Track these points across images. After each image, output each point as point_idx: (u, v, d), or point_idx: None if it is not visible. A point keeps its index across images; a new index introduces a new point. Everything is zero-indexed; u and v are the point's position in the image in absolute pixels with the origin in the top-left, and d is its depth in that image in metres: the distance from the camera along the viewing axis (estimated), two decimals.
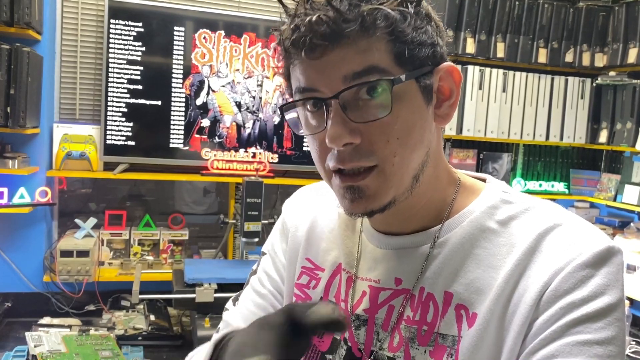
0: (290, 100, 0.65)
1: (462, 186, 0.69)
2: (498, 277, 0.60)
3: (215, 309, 1.99)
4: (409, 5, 0.58)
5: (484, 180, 0.71)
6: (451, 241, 0.64)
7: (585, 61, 2.77)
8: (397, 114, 0.58)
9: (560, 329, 0.55)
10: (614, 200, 2.73)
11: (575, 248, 0.58)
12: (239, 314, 0.80)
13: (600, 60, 2.76)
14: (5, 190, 2.18)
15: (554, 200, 2.34)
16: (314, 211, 0.80)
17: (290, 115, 0.67)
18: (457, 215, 0.66)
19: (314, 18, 0.56)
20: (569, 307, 0.55)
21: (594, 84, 2.79)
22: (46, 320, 2.19)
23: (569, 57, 2.77)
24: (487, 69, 2.67)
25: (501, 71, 2.70)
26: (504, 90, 2.71)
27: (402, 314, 0.65)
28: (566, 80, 2.80)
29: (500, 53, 2.68)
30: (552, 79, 2.78)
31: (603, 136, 2.78)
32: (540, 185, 2.90)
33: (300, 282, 0.77)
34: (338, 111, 0.58)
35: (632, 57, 2.61)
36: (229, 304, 0.84)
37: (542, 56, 2.74)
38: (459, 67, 0.68)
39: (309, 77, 0.59)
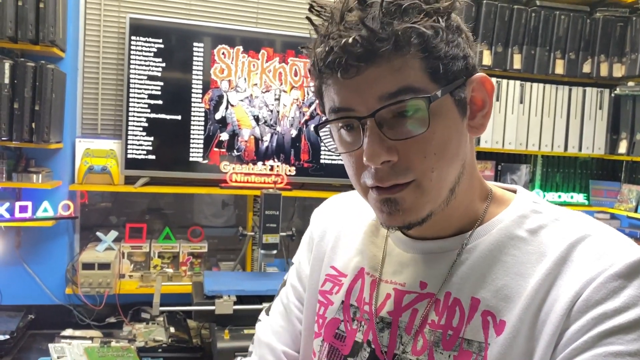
0: (325, 119, 0.65)
1: (494, 196, 0.70)
2: (527, 286, 0.60)
3: (234, 321, 2.00)
4: (440, 20, 0.58)
5: (514, 192, 0.72)
6: (479, 248, 0.65)
7: (603, 72, 2.76)
8: (434, 129, 0.59)
9: (591, 339, 0.54)
10: (635, 211, 2.69)
11: (608, 258, 0.57)
12: (268, 327, 0.83)
13: (619, 71, 2.75)
14: (29, 204, 2.23)
15: None
16: (341, 220, 0.81)
17: (324, 134, 0.67)
18: (486, 223, 0.67)
19: (349, 40, 0.56)
20: (600, 318, 0.55)
21: (613, 94, 2.78)
22: (68, 332, 2.22)
23: (586, 68, 2.76)
24: (504, 81, 2.67)
25: (518, 82, 2.69)
26: (521, 101, 2.70)
27: (426, 318, 0.66)
28: (584, 91, 2.78)
29: (517, 64, 2.68)
30: (570, 90, 2.77)
31: (623, 146, 2.75)
32: (560, 196, 2.88)
33: (324, 288, 0.78)
34: (374, 129, 0.58)
35: None
36: (262, 315, 0.86)
37: (560, 67, 2.73)
38: None
39: (344, 96, 0.60)
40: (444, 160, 0.60)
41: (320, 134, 0.67)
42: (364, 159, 0.59)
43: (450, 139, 0.61)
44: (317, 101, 0.67)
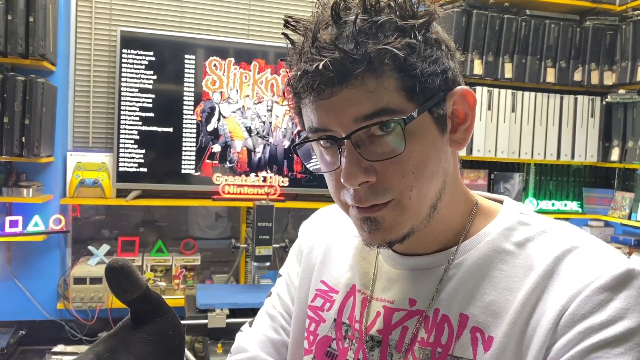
0: (303, 138, 0.64)
1: (479, 208, 0.69)
2: (515, 300, 0.60)
3: (227, 335, 1.98)
4: (417, 34, 0.57)
5: (501, 202, 0.71)
6: (467, 262, 0.64)
7: (594, 80, 2.77)
8: (411, 149, 0.58)
9: (578, 354, 0.53)
10: (629, 218, 2.70)
11: (594, 271, 0.57)
12: (252, 335, 0.81)
13: (609, 79, 2.76)
14: (20, 218, 2.21)
15: (567, 219, 2.32)
16: (330, 233, 0.80)
17: (302, 150, 0.66)
18: (473, 237, 0.66)
19: (320, 65, 0.55)
20: (587, 332, 0.54)
21: (604, 102, 2.79)
22: (59, 348, 2.19)
23: (577, 76, 2.77)
24: (496, 90, 2.68)
25: (510, 91, 2.70)
26: (513, 110, 2.71)
27: (416, 336, 0.65)
28: (575, 99, 2.79)
29: (508, 73, 2.69)
30: (561, 98, 2.78)
31: (615, 154, 2.76)
32: (553, 204, 2.88)
33: (314, 304, 0.77)
34: (351, 150, 0.58)
35: None
36: (244, 327, 0.85)
37: (551, 76, 2.74)
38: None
39: (320, 117, 0.59)
40: (423, 178, 0.59)
41: (298, 152, 0.66)
42: (342, 180, 0.59)
43: (429, 157, 0.60)
44: (296, 118, 0.66)
